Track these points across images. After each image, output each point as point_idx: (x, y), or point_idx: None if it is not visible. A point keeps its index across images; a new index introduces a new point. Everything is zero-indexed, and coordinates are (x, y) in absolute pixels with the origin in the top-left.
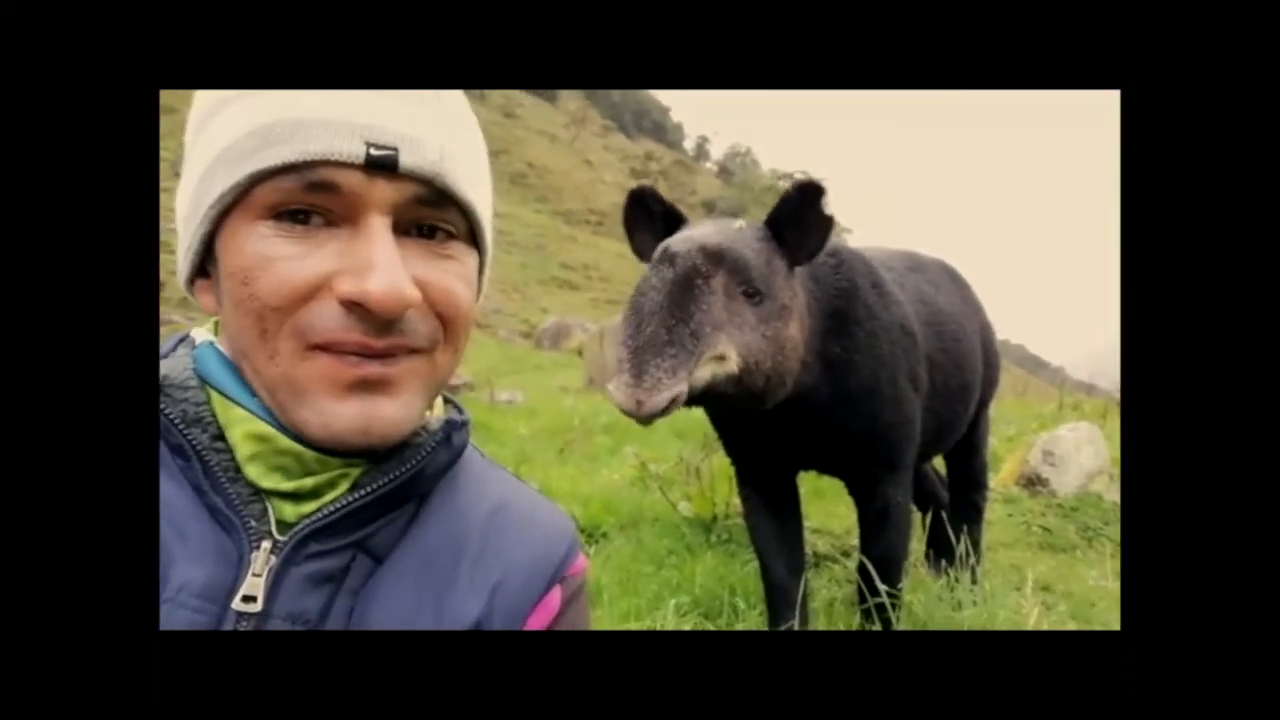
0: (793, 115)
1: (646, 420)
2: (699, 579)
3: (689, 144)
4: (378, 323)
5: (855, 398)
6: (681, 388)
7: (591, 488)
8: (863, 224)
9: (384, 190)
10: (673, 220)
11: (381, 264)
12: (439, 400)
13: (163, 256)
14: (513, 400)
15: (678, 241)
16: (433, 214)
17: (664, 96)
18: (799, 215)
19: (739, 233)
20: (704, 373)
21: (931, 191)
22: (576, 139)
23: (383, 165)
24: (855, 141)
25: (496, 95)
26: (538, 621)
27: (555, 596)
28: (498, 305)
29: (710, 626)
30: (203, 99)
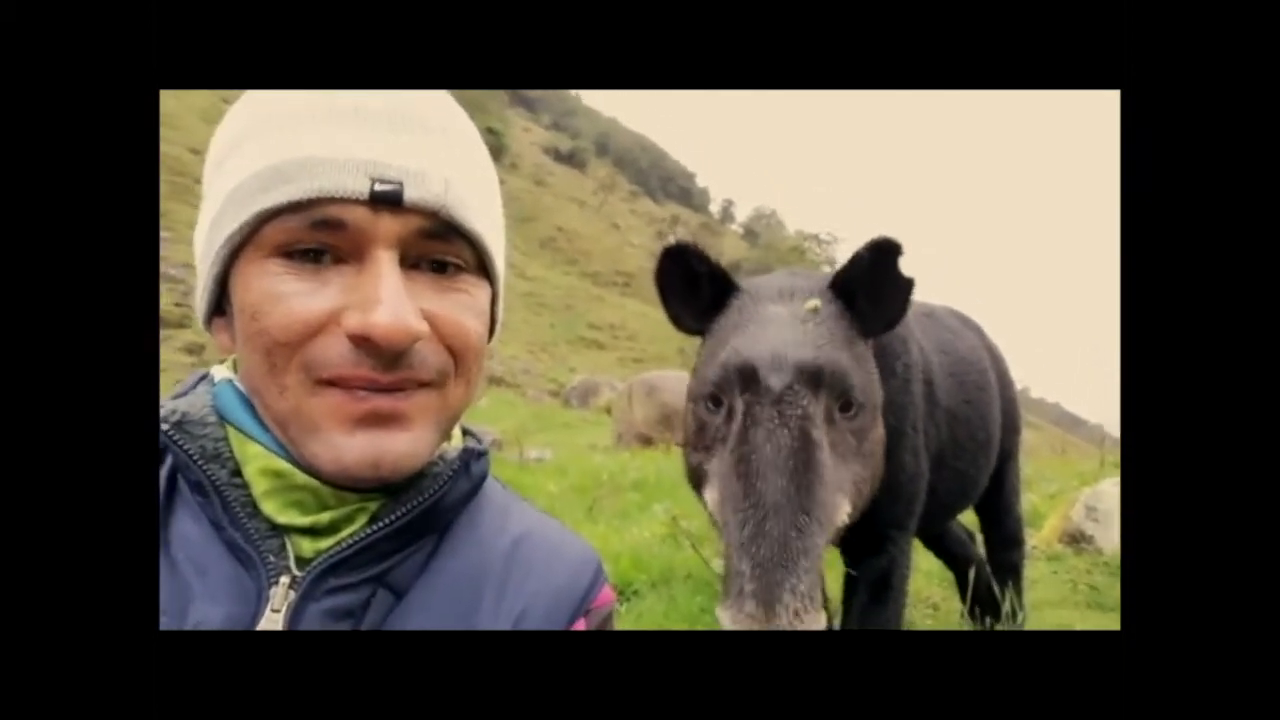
0: (818, 177)
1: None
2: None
3: (714, 207)
4: (385, 356)
5: (888, 444)
6: (821, 618)
7: (622, 545)
8: None
9: (389, 225)
10: (720, 284)
11: (387, 298)
12: (457, 431)
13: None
14: (542, 458)
15: (767, 363)
16: (440, 246)
17: (690, 162)
18: (874, 279)
19: (825, 329)
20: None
21: (961, 248)
22: (605, 204)
23: (387, 200)
24: (880, 202)
25: (527, 164)
26: None
27: (580, 629)
28: (526, 365)
29: None
30: (217, 143)
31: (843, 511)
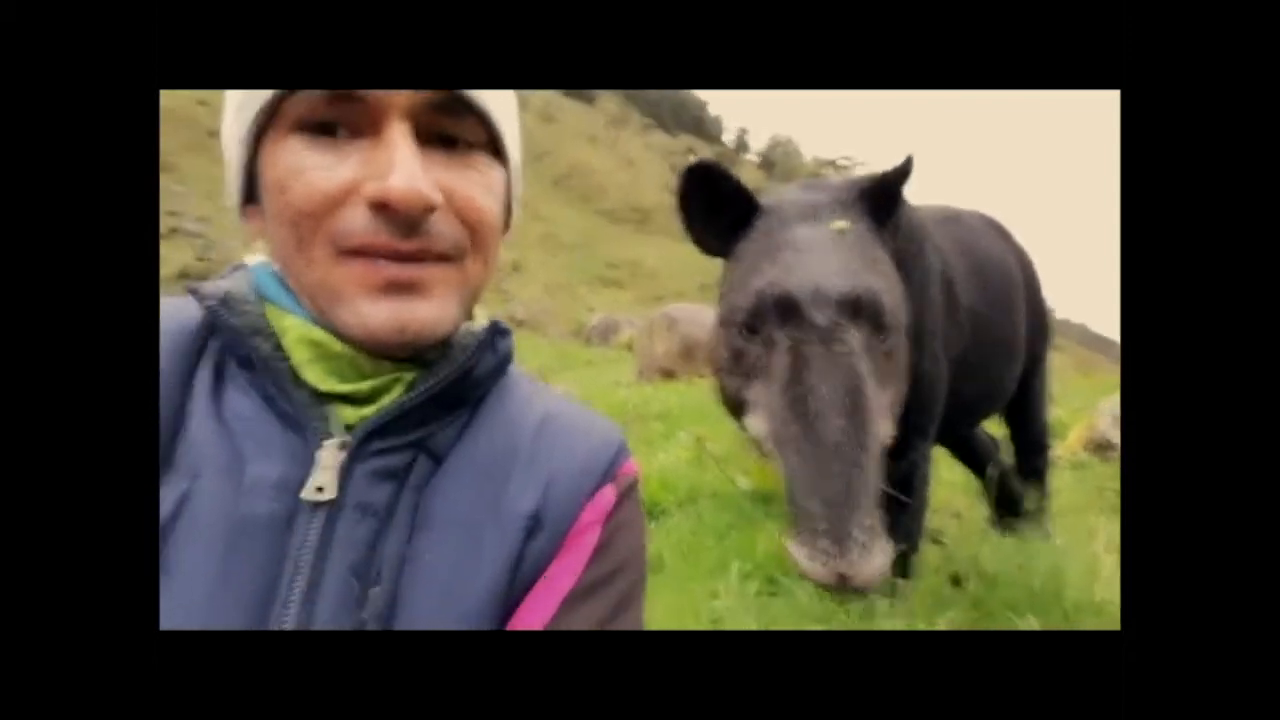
0: (832, 102)
1: (857, 592)
2: (761, 547)
3: (728, 137)
4: (403, 224)
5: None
6: (889, 546)
7: (649, 469)
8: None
9: (401, 97)
10: (744, 203)
11: (401, 164)
12: (482, 315)
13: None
14: (567, 395)
15: (809, 297)
16: (451, 121)
17: (701, 91)
18: (898, 192)
19: (855, 252)
20: None
21: (979, 170)
22: (617, 139)
23: None
24: (897, 126)
25: (535, 100)
26: (593, 515)
27: (609, 492)
28: (546, 306)
29: (773, 591)
30: None
31: (887, 436)
